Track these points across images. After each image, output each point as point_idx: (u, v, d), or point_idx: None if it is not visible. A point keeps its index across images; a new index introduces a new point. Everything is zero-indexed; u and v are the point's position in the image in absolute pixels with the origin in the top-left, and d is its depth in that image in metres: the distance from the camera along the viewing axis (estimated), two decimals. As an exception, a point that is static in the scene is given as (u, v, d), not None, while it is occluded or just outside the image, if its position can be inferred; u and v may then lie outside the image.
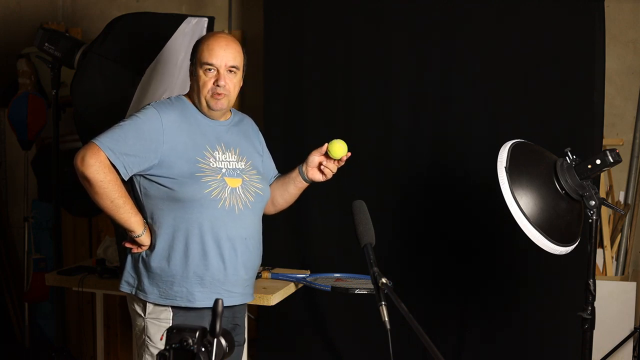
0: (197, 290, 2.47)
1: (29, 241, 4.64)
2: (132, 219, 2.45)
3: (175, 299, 2.47)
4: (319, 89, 4.22)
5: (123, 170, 2.40)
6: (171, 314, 2.49)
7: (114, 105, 3.27)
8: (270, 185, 2.74)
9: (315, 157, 2.67)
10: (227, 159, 2.54)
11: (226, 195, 2.49)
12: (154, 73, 3.31)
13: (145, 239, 2.48)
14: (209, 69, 2.49)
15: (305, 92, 4.23)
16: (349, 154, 2.64)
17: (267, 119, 4.27)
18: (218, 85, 2.48)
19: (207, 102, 2.51)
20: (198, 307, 2.47)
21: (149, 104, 2.54)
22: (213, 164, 2.49)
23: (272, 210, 2.80)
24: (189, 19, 3.39)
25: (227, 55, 2.49)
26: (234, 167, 2.55)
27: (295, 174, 2.71)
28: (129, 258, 2.56)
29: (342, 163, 2.67)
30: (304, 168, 2.69)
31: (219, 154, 2.52)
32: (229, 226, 2.49)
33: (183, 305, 2.47)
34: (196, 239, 2.46)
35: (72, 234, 4.67)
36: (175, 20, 3.39)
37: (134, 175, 2.46)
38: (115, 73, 3.29)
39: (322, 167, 2.67)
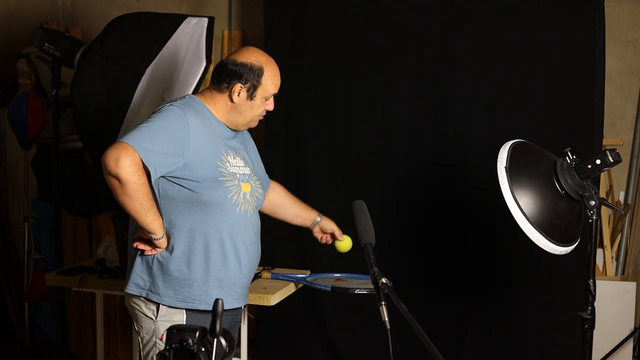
0: (216, 293, 2.47)
1: (29, 241, 4.64)
2: (156, 222, 2.40)
3: (193, 302, 2.47)
4: (319, 89, 4.22)
5: (154, 172, 2.35)
6: (184, 316, 2.48)
7: (114, 105, 3.27)
8: (273, 193, 2.90)
9: (329, 229, 2.97)
10: (237, 164, 2.55)
11: (241, 200, 2.51)
12: (154, 73, 3.31)
13: (164, 242, 2.45)
14: (267, 99, 2.56)
15: (305, 92, 4.23)
16: None
17: (267, 119, 4.25)
18: (267, 111, 2.59)
19: (248, 123, 2.58)
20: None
21: (170, 104, 2.47)
22: (230, 169, 2.50)
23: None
24: (189, 19, 3.39)
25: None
26: (243, 172, 2.56)
27: (310, 221, 2.96)
28: (139, 260, 2.51)
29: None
30: (317, 224, 2.95)
31: (231, 158, 2.52)
32: (244, 230, 2.52)
33: (202, 308, 2.47)
34: (217, 243, 2.47)
35: (72, 234, 4.67)
36: (175, 20, 3.39)
37: None
38: (116, 73, 3.29)
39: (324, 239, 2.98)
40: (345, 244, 2.96)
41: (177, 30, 3.35)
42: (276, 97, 2.61)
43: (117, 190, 2.34)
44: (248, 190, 2.55)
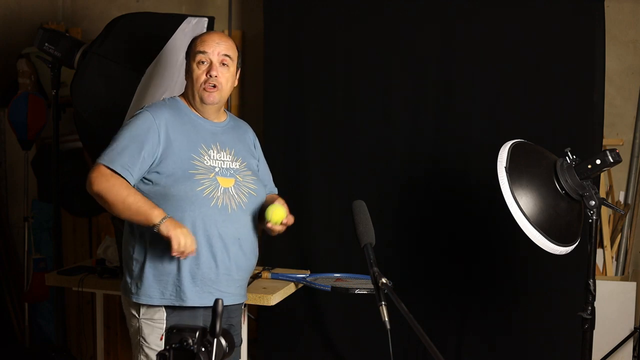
0: (189, 289, 2.47)
1: (29, 241, 4.63)
2: (151, 212, 2.38)
3: (169, 298, 2.48)
4: (319, 89, 4.22)
5: (130, 177, 2.44)
6: (165, 314, 2.49)
7: (114, 105, 3.27)
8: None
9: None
10: (222, 158, 2.54)
11: (219, 194, 2.49)
12: (154, 73, 3.31)
13: (166, 227, 2.35)
14: (202, 62, 2.52)
15: (305, 92, 4.23)
16: (287, 221, 2.56)
17: (267, 119, 4.27)
18: (210, 76, 2.51)
19: (200, 96, 2.53)
20: (190, 305, 2.47)
21: (142, 108, 2.58)
22: (207, 162, 2.50)
23: None
24: (189, 19, 3.39)
25: (220, 45, 2.54)
26: (228, 166, 2.55)
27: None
28: (125, 260, 2.56)
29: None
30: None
31: (213, 152, 2.53)
32: (220, 225, 2.49)
33: (176, 304, 2.48)
34: None
35: (72, 234, 4.67)
36: (175, 20, 3.39)
37: None
38: (115, 73, 3.29)
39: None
40: (273, 210, 2.52)
41: (177, 30, 3.35)
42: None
43: (104, 206, 2.45)
44: (230, 185, 2.52)
